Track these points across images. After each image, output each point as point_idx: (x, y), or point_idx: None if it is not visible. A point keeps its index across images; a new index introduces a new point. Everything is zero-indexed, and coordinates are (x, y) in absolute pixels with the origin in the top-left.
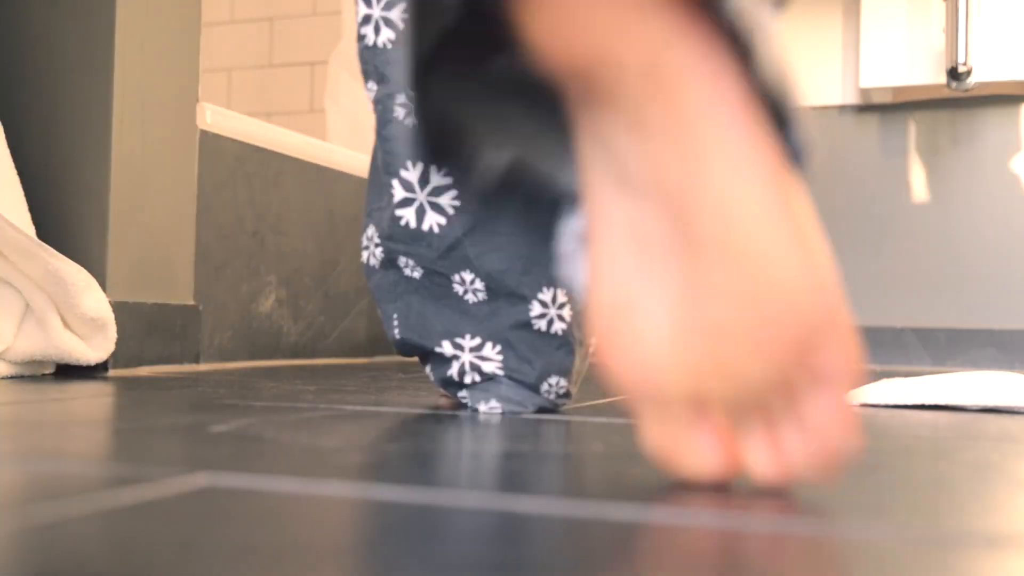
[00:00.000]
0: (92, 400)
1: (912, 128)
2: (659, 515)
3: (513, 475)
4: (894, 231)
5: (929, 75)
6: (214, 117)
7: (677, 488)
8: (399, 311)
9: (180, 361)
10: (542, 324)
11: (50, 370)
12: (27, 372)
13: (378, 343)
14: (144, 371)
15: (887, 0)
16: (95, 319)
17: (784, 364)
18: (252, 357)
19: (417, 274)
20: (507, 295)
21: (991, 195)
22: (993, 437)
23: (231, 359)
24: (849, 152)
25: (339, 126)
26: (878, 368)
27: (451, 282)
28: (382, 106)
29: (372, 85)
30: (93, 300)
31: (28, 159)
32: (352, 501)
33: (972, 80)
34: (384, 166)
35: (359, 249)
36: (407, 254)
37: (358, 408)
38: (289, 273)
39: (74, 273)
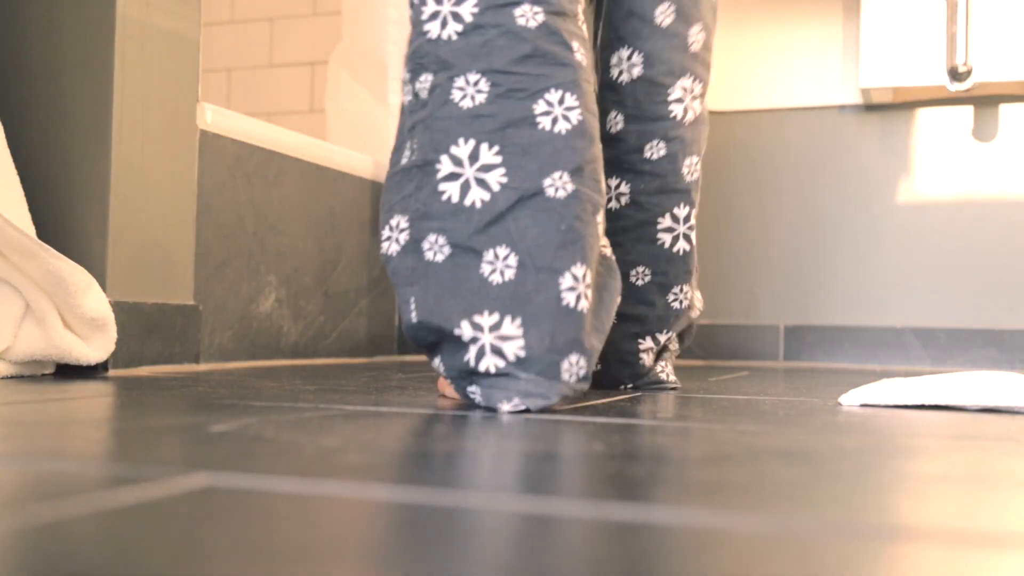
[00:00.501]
0: (92, 400)
1: (912, 128)
2: (659, 515)
3: (513, 475)
4: (894, 231)
5: (929, 75)
6: (214, 117)
7: (676, 488)
8: (416, 294)
9: (180, 361)
10: (571, 299)
11: (50, 370)
12: (27, 372)
13: (378, 343)
14: (144, 371)
15: (887, 0)
16: (95, 319)
17: None
18: (252, 357)
19: (440, 257)
20: (539, 269)
21: (991, 195)
22: (993, 437)
23: (231, 359)
24: (849, 152)
25: (339, 126)
26: (878, 368)
27: (480, 260)
28: (440, 89)
29: (427, 76)
30: (93, 300)
31: (28, 159)
32: (352, 501)
33: (972, 80)
34: (432, 144)
35: (359, 249)
36: (440, 231)
37: (358, 408)
38: (289, 273)
39: (74, 273)
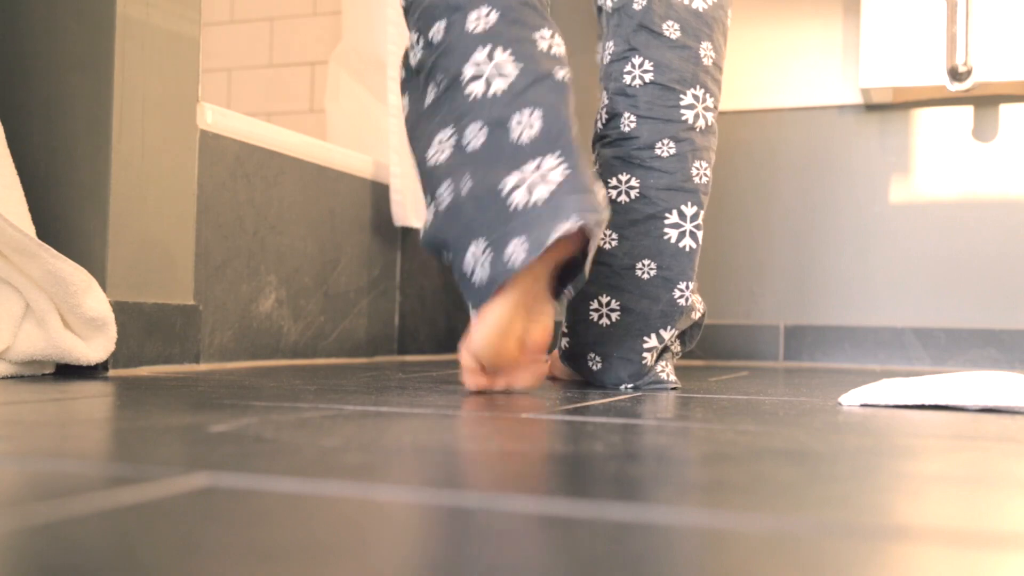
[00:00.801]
0: (92, 400)
1: (912, 128)
2: (659, 515)
3: (513, 475)
4: (894, 231)
5: (929, 75)
6: (214, 117)
7: (676, 488)
8: (471, 170)
9: (180, 361)
10: (579, 154)
11: (50, 370)
12: (27, 372)
13: (378, 343)
14: (144, 371)
15: (887, 0)
16: (95, 319)
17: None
18: (252, 357)
19: (481, 139)
20: (562, 118)
21: (991, 195)
22: (993, 437)
23: (231, 359)
24: (849, 152)
25: (339, 126)
26: (878, 368)
27: (509, 130)
28: (456, 24)
29: (439, 24)
30: (93, 300)
31: (28, 159)
32: (352, 501)
33: (972, 80)
34: (456, 63)
35: (359, 249)
36: (475, 119)
37: (358, 408)
38: (289, 273)
39: (74, 273)
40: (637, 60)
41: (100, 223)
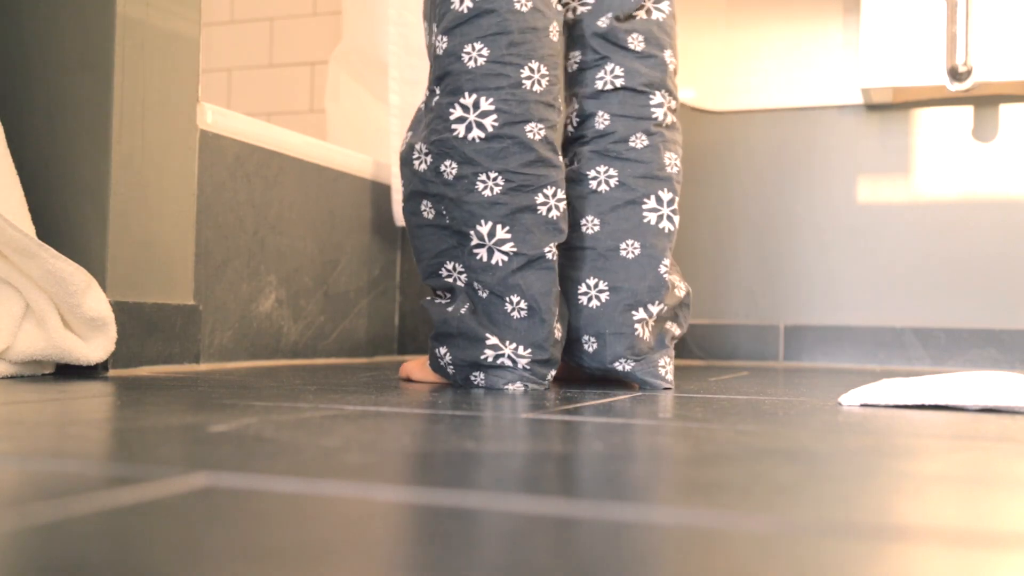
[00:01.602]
0: (92, 400)
1: (912, 128)
2: (659, 515)
3: (513, 475)
4: (894, 231)
5: (929, 75)
6: (214, 117)
7: (676, 488)
8: (468, 303)
9: (180, 361)
10: (557, 334)
11: (50, 370)
12: (27, 372)
13: (378, 343)
14: (144, 371)
15: (887, 0)
16: (95, 319)
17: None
18: (252, 357)
19: (484, 294)
20: (542, 312)
21: (991, 195)
22: (993, 437)
23: (231, 359)
24: (849, 152)
25: (339, 126)
26: (878, 368)
27: (504, 303)
28: (467, 180)
29: (451, 162)
30: (93, 300)
31: (28, 159)
32: (352, 501)
33: (972, 80)
34: (463, 220)
35: (359, 249)
36: (479, 280)
37: (358, 408)
38: (289, 273)
39: (74, 273)
40: (609, 67)
41: (100, 223)
